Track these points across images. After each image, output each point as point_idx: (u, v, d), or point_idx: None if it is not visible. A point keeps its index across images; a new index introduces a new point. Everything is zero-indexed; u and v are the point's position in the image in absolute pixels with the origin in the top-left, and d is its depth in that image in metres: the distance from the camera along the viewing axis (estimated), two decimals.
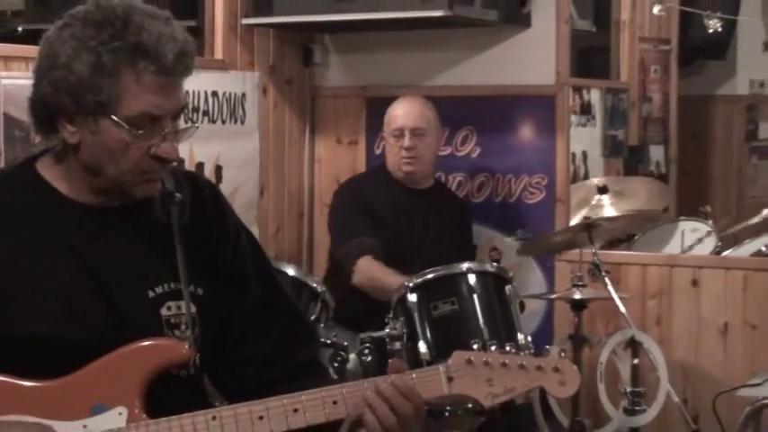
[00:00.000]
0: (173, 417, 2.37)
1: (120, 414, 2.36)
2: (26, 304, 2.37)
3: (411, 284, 4.66)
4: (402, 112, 5.20)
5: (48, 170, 2.47)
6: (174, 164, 2.48)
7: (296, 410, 2.38)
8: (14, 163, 2.68)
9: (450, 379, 2.43)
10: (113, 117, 2.33)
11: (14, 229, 2.42)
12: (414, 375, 2.44)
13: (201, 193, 2.57)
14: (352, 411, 2.39)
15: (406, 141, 5.15)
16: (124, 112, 2.33)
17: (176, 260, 2.44)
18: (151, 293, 2.44)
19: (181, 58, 2.35)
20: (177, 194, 2.47)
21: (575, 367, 2.50)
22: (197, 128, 2.60)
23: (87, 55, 2.31)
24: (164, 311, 2.44)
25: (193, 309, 2.45)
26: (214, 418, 2.37)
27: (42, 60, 2.38)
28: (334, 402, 2.39)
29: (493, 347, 2.53)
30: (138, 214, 2.46)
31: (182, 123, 2.45)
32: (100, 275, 2.41)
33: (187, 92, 2.49)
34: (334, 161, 5.78)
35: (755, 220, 6.01)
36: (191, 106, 4.99)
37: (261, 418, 2.37)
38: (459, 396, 2.49)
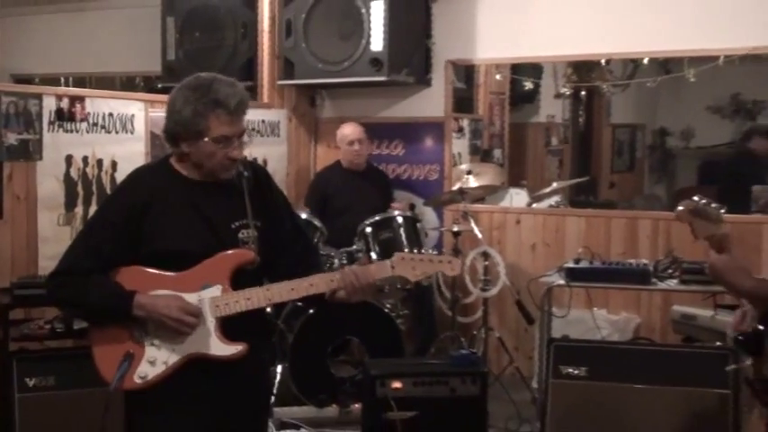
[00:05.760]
0: (246, 289, 2.39)
1: (218, 288, 2.37)
2: (170, 232, 2.36)
3: (368, 222, 4.63)
4: (350, 131, 5.16)
5: (176, 163, 2.46)
6: (241, 159, 2.44)
7: (311, 285, 2.41)
8: (157, 159, 2.64)
9: (392, 267, 2.45)
10: (206, 139, 2.34)
11: (163, 193, 2.40)
12: (373, 266, 2.48)
13: (257, 172, 2.55)
14: (340, 284, 2.41)
15: (356, 147, 5.11)
16: (211, 135, 2.34)
17: (246, 208, 2.41)
18: (233, 225, 2.42)
19: (240, 105, 2.37)
20: (246, 173, 2.43)
21: (459, 260, 2.56)
22: (252, 141, 2.58)
23: (190, 105, 2.33)
24: (240, 235, 2.42)
25: (255, 234, 2.43)
26: (268, 289, 2.40)
27: (168, 108, 2.39)
28: (332, 280, 2.42)
29: (414, 251, 2.45)
30: (224, 185, 2.44)
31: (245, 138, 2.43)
32: (207, 216, 2.40)
33: (249, 121, 2.44)
34: (326, 158, 5.66)
35: (548, 189, 5.96)
36: (251, 128, 4.89)
37: (292, 289, 2.40)
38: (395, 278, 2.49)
